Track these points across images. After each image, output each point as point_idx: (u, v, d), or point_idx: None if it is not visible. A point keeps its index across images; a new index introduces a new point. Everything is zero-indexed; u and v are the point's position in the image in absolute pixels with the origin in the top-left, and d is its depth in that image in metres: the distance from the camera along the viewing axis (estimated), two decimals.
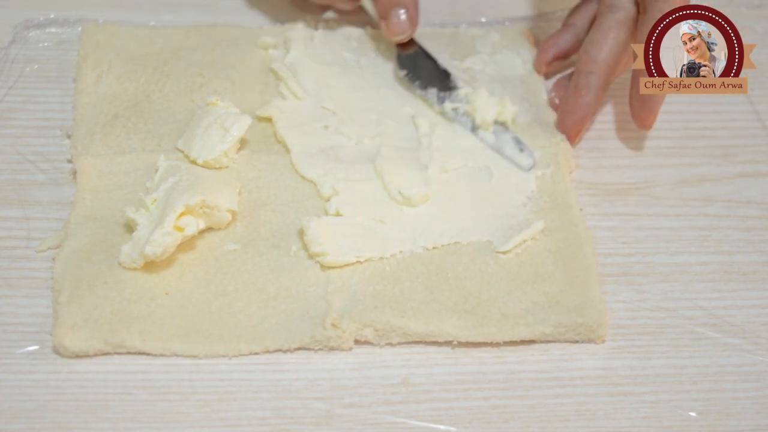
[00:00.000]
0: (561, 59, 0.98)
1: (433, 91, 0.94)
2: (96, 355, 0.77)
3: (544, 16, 1.05)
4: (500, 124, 0.92)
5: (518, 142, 0.91)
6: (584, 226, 0.86)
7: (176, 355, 0.78)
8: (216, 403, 0.75)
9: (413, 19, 0.96)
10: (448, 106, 0.93)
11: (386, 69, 0.98)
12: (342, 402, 0.76)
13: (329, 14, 1.04)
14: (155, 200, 0.82)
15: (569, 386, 0.78)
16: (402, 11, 0.95)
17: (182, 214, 0.80)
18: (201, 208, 0.81)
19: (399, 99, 0.96)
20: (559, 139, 0.92)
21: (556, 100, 0.95)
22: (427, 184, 0.87)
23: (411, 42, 0.98)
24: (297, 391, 0.76)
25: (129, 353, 0.77)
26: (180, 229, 0.80)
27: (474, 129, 0.92)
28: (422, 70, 0.97)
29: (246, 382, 0.77)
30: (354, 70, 0.98)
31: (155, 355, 0.77)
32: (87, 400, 0.75)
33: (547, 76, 0.99)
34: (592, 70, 0.91)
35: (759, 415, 0.77)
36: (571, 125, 0.92)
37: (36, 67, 0.97)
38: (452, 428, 0.75)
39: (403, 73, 0.96)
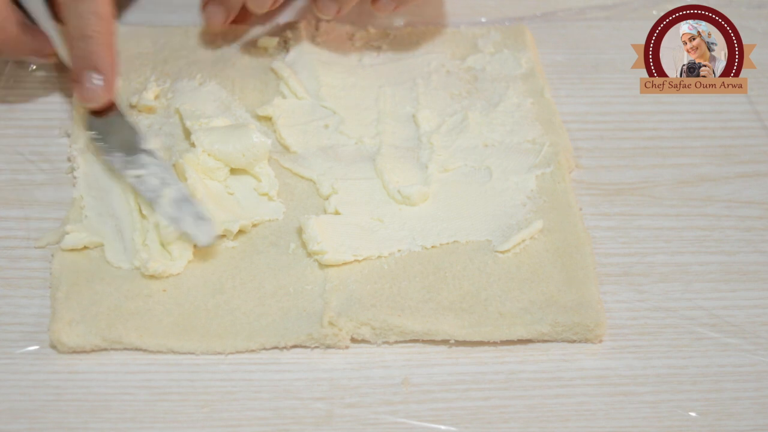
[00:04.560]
0: None
1: (118, 156, 0.86)
2: (93, 350, 0.77)
3: (545, 16, 1.05)
4: (184, 198, 0.83)
5: (199, 217, 0.82)
6: (583, 226, 0.86)
7: (173, 352, 0.78)
8: (216, 403, 0.75)
9: (109, 85, 0.87)
10: (130, 173, 0.85)
11: (388, 68, 0.98)
12: (342, 402, 0.76)
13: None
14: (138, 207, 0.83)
15: (569, 386, 0.78)
16: (96, 77, 0.86)
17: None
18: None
19: (399, 98, 0.96)
20: (561, 137, 0.92)
21: None
22: (427, 184, 0.87)
23: (110, 106, 0.89)
24: (297, 391, 0.76)
25: (127, 350, 0.78)
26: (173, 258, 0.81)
27: (154, 202, 0.82)
28: (111, 132, 0.88)
29: (246, 382, 0.77)
30: (354, 69, 0.98)
31: (152, 352, 0.78)
32: (87, 400, 0.75)
33: None
34: None
35: (759, 415, 0.77)
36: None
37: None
38: (452, 428, 0.75)
39: (91, 134, 0.88)
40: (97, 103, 0.87)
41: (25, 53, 0.91)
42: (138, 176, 0.84)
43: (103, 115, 0.88)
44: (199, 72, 0.97)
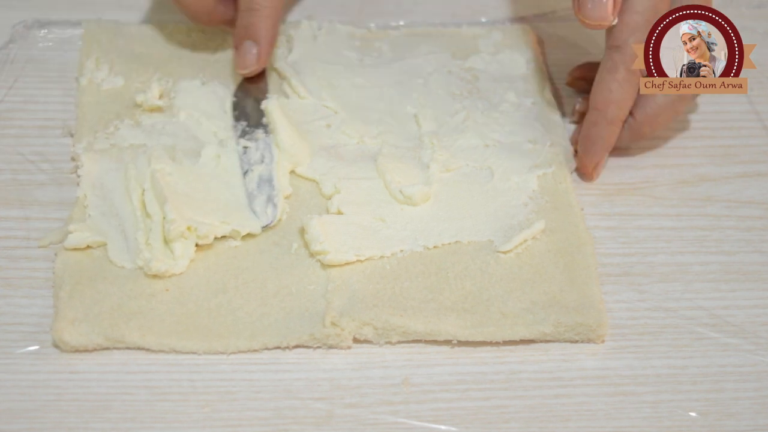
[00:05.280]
0: (587, 82, 0.94)
1: (241, 125, 0.92)
2: (95, 349, 0.77)
3: (545, 16, 1.05)
4: (268, 179, 0.88)
5: (270, 200, 0.86)
6: (584, 226, 0.86)
7: (175, 351, 0.78)
8: (216, 403, 0.75)
9: (262, 57, 0.93)
10: (243, 141, 0.90)
11: (389, 68, 0.98)
12: (342, 402, 0.76)
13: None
14: (143, 203, 0.83)
15: (569, 386, 0.78)
16: (253, 47, 0.93)
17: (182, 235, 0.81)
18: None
19: (401, 98, 0.96)
20: (562, 137, 0.92)
21: (578, 107, 0.95)
22: (428, 184, 0.87)
23: (261, 77, 0.96)
24: (297, 391, 0.76)
25: (129, 349, 0.78)
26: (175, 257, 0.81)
27: (245, 173, 0.88)
28: (249, 101, 0.94)
29: (246, 382, 0.77)
30: (357, 69, 0.98)
31: (154, 351, 0.78)
32: (88, 400, 0.75)
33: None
34: (597, 121, 0.88)
35: (759, 415, 0.77)
36: (589, 161, 0.90)
37: (36, 67, 0.97)
38: (452, 428, 0.75)
39: (233, 98, 0.95)
40: (249, 72, 0.94)
41: (217, 22, 0.97)
42: (245, 147, 0.89)
43: (253, 84, 0.95)
44: (201, 71, 0.97)
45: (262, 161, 0.88)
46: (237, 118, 0.92)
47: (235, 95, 0.94)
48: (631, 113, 0.89)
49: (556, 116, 0.95)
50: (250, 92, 0.95)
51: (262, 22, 0.93)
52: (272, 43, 0.94)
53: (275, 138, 0.89)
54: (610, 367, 0.79)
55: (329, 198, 0.87)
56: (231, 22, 0.96)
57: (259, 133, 0.90)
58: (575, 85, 0.98)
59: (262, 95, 0.94)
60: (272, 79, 0.97)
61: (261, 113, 0.91)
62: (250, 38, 0.93)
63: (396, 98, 0.96)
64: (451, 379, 0.78)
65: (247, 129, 0.91)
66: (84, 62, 0.97)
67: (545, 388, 0.77)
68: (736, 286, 0.84)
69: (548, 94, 0.97)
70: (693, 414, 0.76)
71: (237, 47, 0.94)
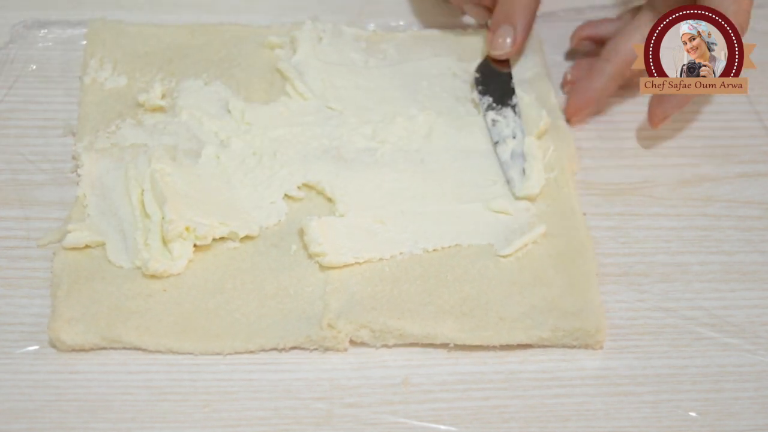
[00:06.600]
0: (593, 42, 0.99)
1: (487, 99, 0.95)
2: (92, 349, 0.78)
3: (547, 16, 1.05)
4: (520, 153, 0.90)
5: (523, 172, 0.89)
6: (586, 231, 0.85)
7: (172, 352, 0.78)
8: (216, 403, 0.75)
9: (516, 43, 0.97)
10: (490, 115, 0.93)
11: (394, 71, 0.98)
12: (342, 402, 0.76)
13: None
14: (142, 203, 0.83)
15: (569, 386, 0.78)
16: (510, 33, 0.97)
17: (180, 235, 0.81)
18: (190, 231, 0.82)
19: (404, 100, 0.95)
20: (566, 142, 0.92)
21: (569, 76, 0.97)
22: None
23: (506, 61, 0.99)
24: (297, 391, 0.76)
25: (127, 350, 0.78)
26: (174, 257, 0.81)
27: (496, 143, 0.91)
28: (494, 80, 0.97)
29: (246, 382, 0.77)
30: (360, 70, 0.98)
31: (151, 352, 0.78)
32: (87, 400, 0.75)
33: (572, 53, 1.01)
34: (609, 58, 0.93)
35: (759, 415, 0.77)
36: (573, 104, 0.94)
37: (36, 67, 0.97)
38: (452, 428, 0.75)
39: (477, 75, 0.97)
40: (502, 55, 0.98)
41: (469, 2, 1.01)
42: (495, 120, 0.93)
43: (497, 66, 0.98)
44: (204, 71, 0.97)
45: (514, 137, 0.91)
46: (482, 93, 0.95)
47: (478, 71, 0.98)
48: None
49: (560, 120, 0.95)
50: (495, 71, 0.98)
51: (522, 11, 0.97)
52: (528, 30, 0.98)
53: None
54: (610, 367, 0.79)
55: (329, 200, 0.87)
56: (479, 3, 1.00)
57: (508, 111, 0.94)
58: (581, 45, 1.00)
59: (507, 76, 0.97)
60: (275, 79, 0.96)
61: (507, 92, 0.95)
62: (508, 23, 0.97)
63: (399, 100, 0.95)
64: (450, 379, 0.78)
65: (494, 105, 0.94)
66: (88, 61, 0.97)
67: (545, 388, 0.77)
68: (736, 286, 0.84)
69: (553, 98, 0.97)
70: (693, 414, 0.76)
71: (494, 30, 0.97)
